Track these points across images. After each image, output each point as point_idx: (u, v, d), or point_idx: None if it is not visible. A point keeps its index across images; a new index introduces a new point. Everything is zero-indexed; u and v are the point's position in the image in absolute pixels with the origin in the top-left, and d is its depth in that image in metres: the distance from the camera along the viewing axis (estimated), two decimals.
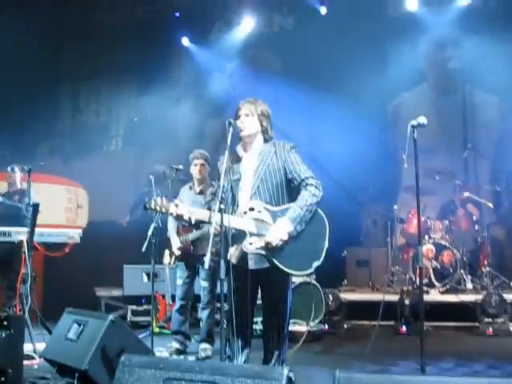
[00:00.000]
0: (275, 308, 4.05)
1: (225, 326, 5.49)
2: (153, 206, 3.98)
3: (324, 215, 3.99)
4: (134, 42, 11.10)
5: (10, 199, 7.28)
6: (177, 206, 4.00)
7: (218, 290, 6.26)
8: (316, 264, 3.90)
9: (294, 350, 5.71)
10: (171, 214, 4.01)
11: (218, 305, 6.62)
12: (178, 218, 4.09)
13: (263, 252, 3.85)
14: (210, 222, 3.84)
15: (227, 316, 4.06)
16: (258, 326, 6.18)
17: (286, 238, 3.82)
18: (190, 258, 6.15)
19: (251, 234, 3.86)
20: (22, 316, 5.18)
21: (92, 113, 12.20)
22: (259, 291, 4.16)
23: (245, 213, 3.88)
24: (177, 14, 10.82)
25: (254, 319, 4.58)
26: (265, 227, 3.87)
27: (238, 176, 4.00)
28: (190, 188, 6.24)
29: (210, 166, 6.25)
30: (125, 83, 11.54)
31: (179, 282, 6.29)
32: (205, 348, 6.10)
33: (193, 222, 4.07)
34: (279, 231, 3.83)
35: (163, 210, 3.99)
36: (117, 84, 11.59)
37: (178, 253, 6.09)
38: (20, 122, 10.79)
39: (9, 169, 6.50)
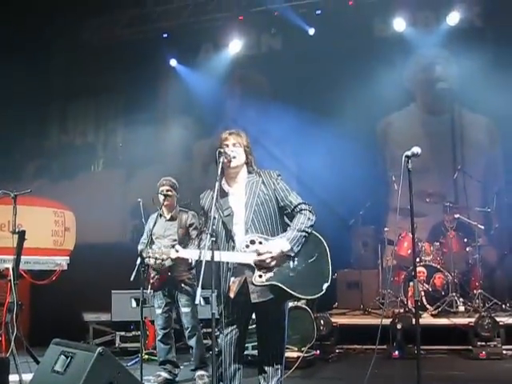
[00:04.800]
0: (272, 338, 4.00)
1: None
2: (151, 255, 4.03)
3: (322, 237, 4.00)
4: (122, 62, 11.03)
5: None
6: (177, 251, 3.97)
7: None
8: (326, 285, 3.89)
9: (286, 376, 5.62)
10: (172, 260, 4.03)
11: (204, 330, 6.63)
12: (178, 261, 4.04)
13: (274, 282, 3.78)
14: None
15: (220, 348, 3.97)
16: (250, 351, 6.14)
17: (276, 255, 3.78)
18: (167, 285, 6.21)
19: (259, 267, 3.80)
20: (6, 359, 5.04)
21: (79, 134, 12.08)
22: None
23: (247, 246, 3.82)
24: (165, 35, 10.79)
25: (246, 345, 4.55)
26: None
27: (230, 211, 3.95)
28: (160, 215, 6.27)
29: (177, 193, 6.36)
30: (112, 104, 11.50)
31: (158, 311, 6.33)
32: (201, 375, 6.10)
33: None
34: (271, 248, 3.79)
35: (164, 256, 4.01)
36: (104, 105, 11.54)
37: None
38: (7, 143, 10.66)
39: None
